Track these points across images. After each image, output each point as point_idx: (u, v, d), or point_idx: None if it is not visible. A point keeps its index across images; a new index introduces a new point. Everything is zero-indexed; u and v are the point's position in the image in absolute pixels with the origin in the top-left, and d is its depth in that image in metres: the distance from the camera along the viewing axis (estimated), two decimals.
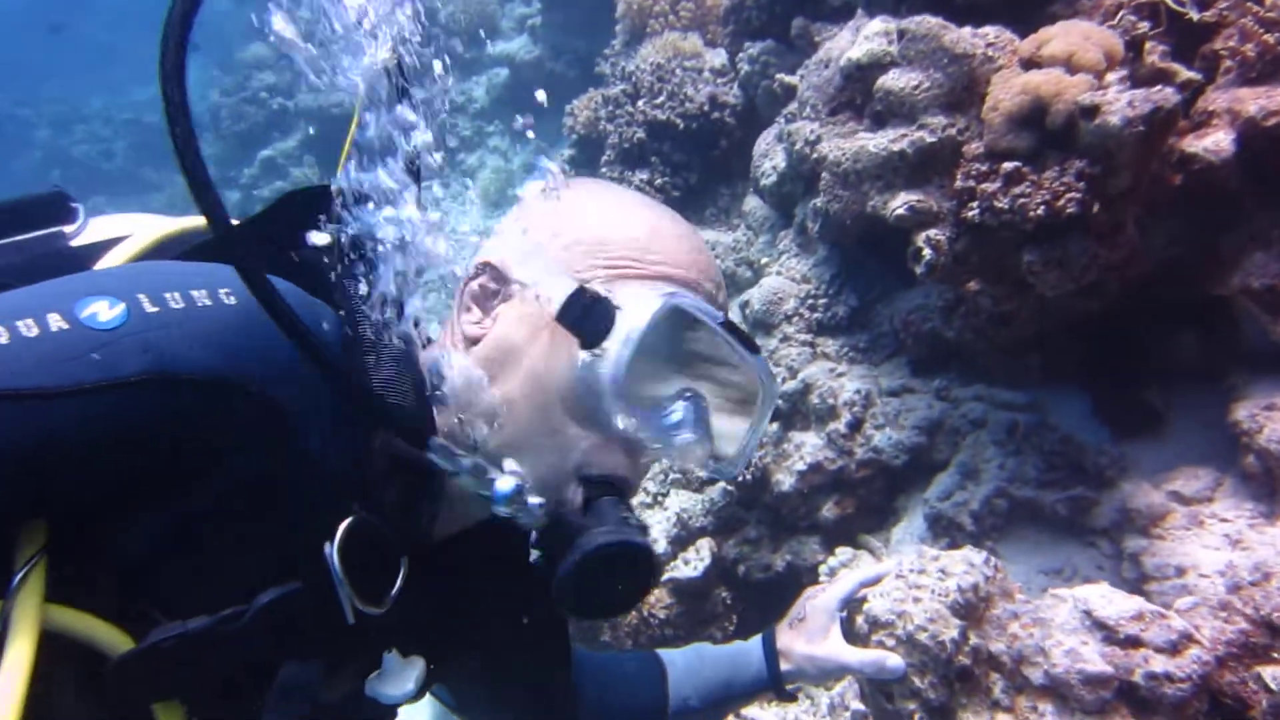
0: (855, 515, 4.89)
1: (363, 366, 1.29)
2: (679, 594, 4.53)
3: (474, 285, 1.50)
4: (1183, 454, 4.39)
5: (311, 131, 12.03)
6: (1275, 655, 2.78)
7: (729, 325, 1.55)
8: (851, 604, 3.17)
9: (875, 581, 3.24)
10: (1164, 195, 3.65)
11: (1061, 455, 4.56)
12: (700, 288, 1.51)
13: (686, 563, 4.59)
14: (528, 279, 1.39)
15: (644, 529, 1.39)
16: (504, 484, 1.33)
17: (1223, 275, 3.75)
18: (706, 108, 6.27)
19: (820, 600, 2.97)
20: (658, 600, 4.47)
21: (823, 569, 4.68)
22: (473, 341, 1.46)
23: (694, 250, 1.54)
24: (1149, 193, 3.59)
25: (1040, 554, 4.43)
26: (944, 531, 4.62)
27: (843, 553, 4.70)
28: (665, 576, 4.51)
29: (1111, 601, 2.93)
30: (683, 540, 4.86)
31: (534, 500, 1.34)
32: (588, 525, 1.32)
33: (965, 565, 3.23)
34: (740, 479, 4.90)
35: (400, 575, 1.32)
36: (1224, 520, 3.90)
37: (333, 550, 1.19)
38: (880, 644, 3.12)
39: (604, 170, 6.60)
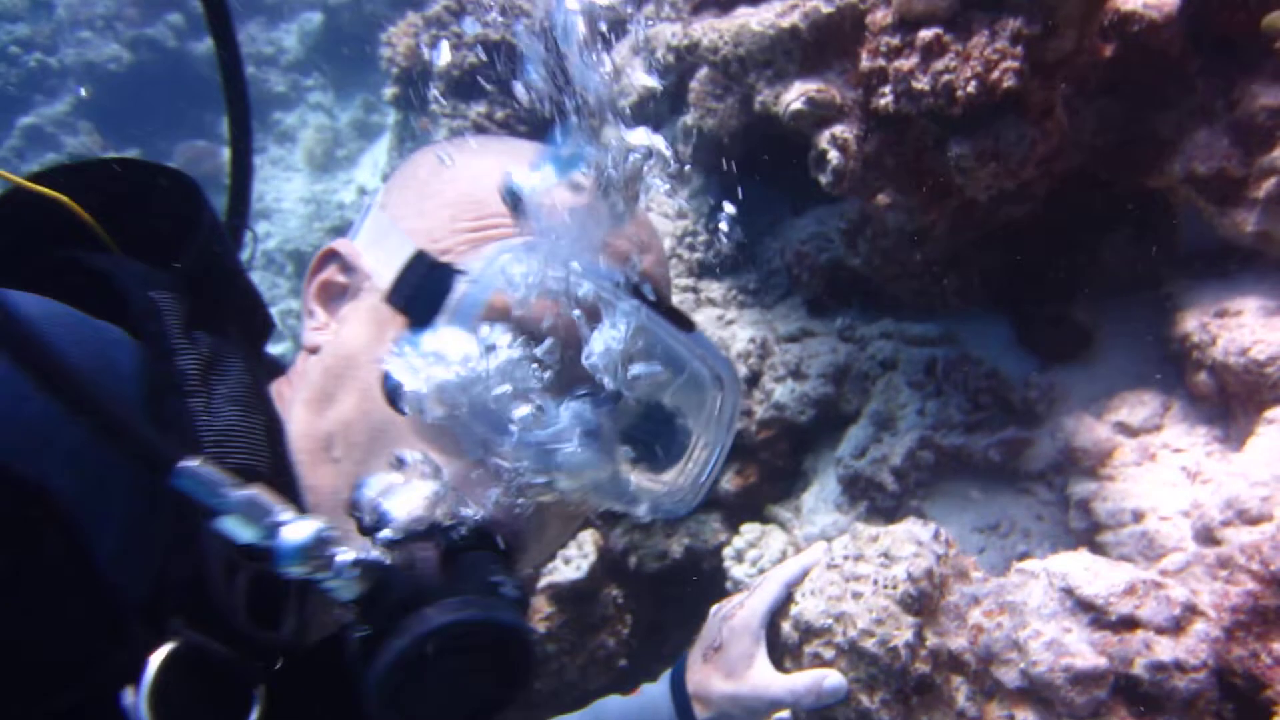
0: (760, 484, 4.20)
1: (180, 415, 0.93)
2: (560, 600, 3.72)
3: (317, 281, 1.24)
4: (1119, 377, 3.89)
5: (85, 93, 10.23)
6: None
7: (635, 290, 1.21)
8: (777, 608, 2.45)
9: (802, 577, 2.53)
10: (1093, 70, 3.01)
11: (988, 392, 3.99)
12: (607, 248, 1.22)
13: (567, 561, 3.77)
14: (377, 264, 1.15)
15: (517, 601, 1.04)
16: (294, 533, 0.91)
17: (1160, 162, 3.17)
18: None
19: (739, 619, 2.28)
20: (535, 610, 3.63)
21: (727, 551, 3.98)
22: (313, 352, 1.20)
23: None
24: (1080, 67, 2.95)
25: (972, 509, 3.86)
26: (861, 494, 3.99)
27: (749, 530, 4.01)
28: (543, 581, 3.67)
29: (1096, 574, 2.30)
30: None
31: (342, 555, 0.94)
32: (429, 594, 0.96)
33: (912, 545, 2.56)
34: None
35: (254, 714, 0.95)
36: (1178, 450, 3.40)
37: (139, 700, 0.84)
38: (816, 657, 2.44)
39: (434, 106, 5.59)
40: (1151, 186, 3.37)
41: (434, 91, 5.41)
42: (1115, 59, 3.04)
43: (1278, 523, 2.92)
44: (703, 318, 4.51)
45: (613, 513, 4.34)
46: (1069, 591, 2.38)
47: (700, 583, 4.18)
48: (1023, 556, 3.63)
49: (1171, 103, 3.17)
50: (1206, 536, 3.02)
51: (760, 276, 4.71)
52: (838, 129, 2.99)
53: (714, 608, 2.49)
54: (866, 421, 4.18)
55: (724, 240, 4.59)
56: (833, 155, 2.96)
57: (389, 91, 6.31)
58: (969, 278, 4.06)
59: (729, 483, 4.20)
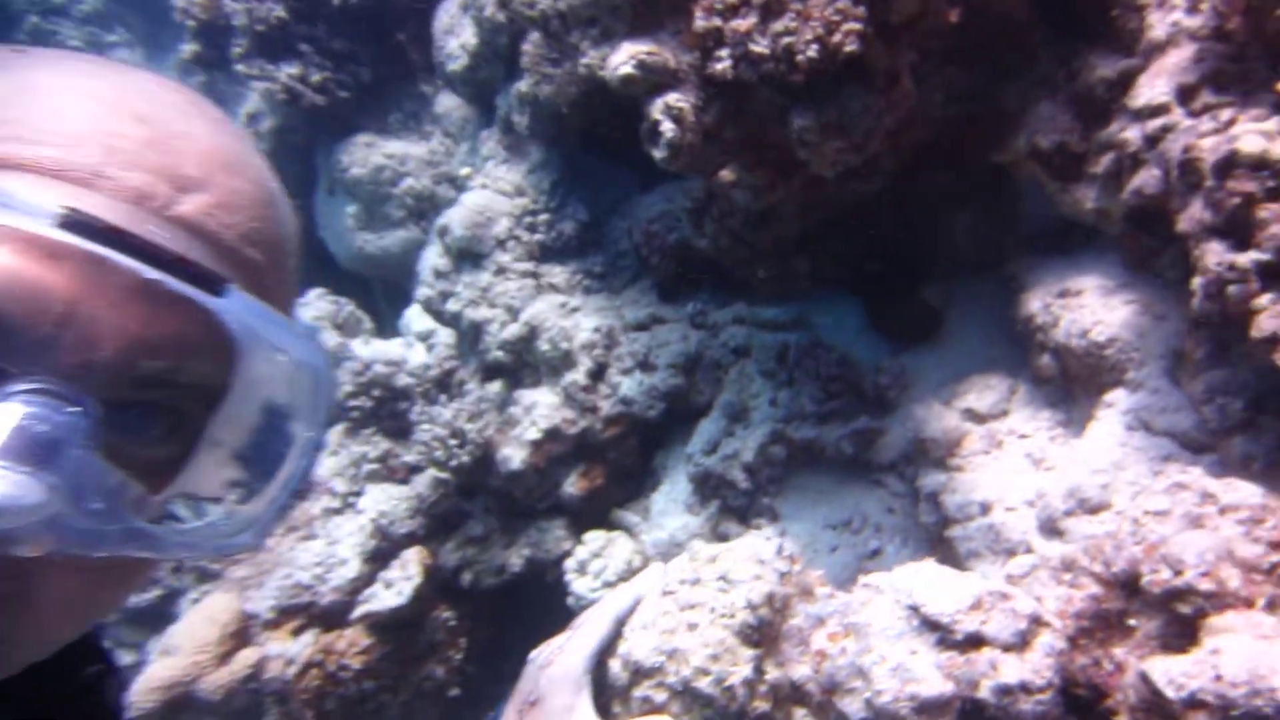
0: (607, 486, 3.91)
1: None
2: (379, 630, 3.33)
3: None
4: (968, 360, 3.82)
5: None
6: (1131, 623, 2.11)
7: (81, 224, 0.73)
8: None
9: (635, 608, 2.26)
10: (939, 37, 2.83)
11: (840, 380, 3.84)
12: (99, 179, 0.78)
13: (388, 586, 3.38)
14: None
15: None
16: None
17: (1005, 136, 3.05)
18: None
19: (559, 666, 1.98)
20: (350, 646, 3.23)
21: (569, 563, 3.68)
22: None
23: (113, 117, 0.81)
24: (925, 33, 2.75)
25: (825, 504, 3.71)
26: (713, 492, 3.77)
27: (593, 538, 3.72)
28: (359, 611, 3.26)
29: (942, 589, 2.12)
30: (384, 555, 3.62)
31: None
32: None
33: (753, 566, 2.32)
34: (455, 460, 3.73)
35: None
36: (1023, 436, 3.34)
37: None
38: (646, 701, 2.19)
39: (240, 67, 4.95)
40: (998, 161, 3.25)
41: (236, 49, 4.77)
42: (962, 25, 2.86)
43: (1116, 513, 2.90)
44: (544, 305, 4.17)
45: (445, 524, 3.97)
46: (915, 609, 2.20)
47: (544, 596, 3.87)
48: (875, 553, 3.52)
49: (1016, 73, 3.04)
50: (1050, 528, 2.96)
51: (607, 259, 4.40)
52: (672, 97, 2.69)
53: (532, 653, 2.17)
54: (718, 414, 3.97)
55: (567, 219, 4.25)
56: (667, 127, 2.66)
57: (188, 49, 5.58)
58: (821, 259, 3.88)
59: (574, 486, 3.90)
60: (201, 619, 3.26)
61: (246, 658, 2.93)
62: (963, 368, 3.91)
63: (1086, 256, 3.40)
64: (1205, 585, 1.92)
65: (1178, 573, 1.98)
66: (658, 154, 2.76)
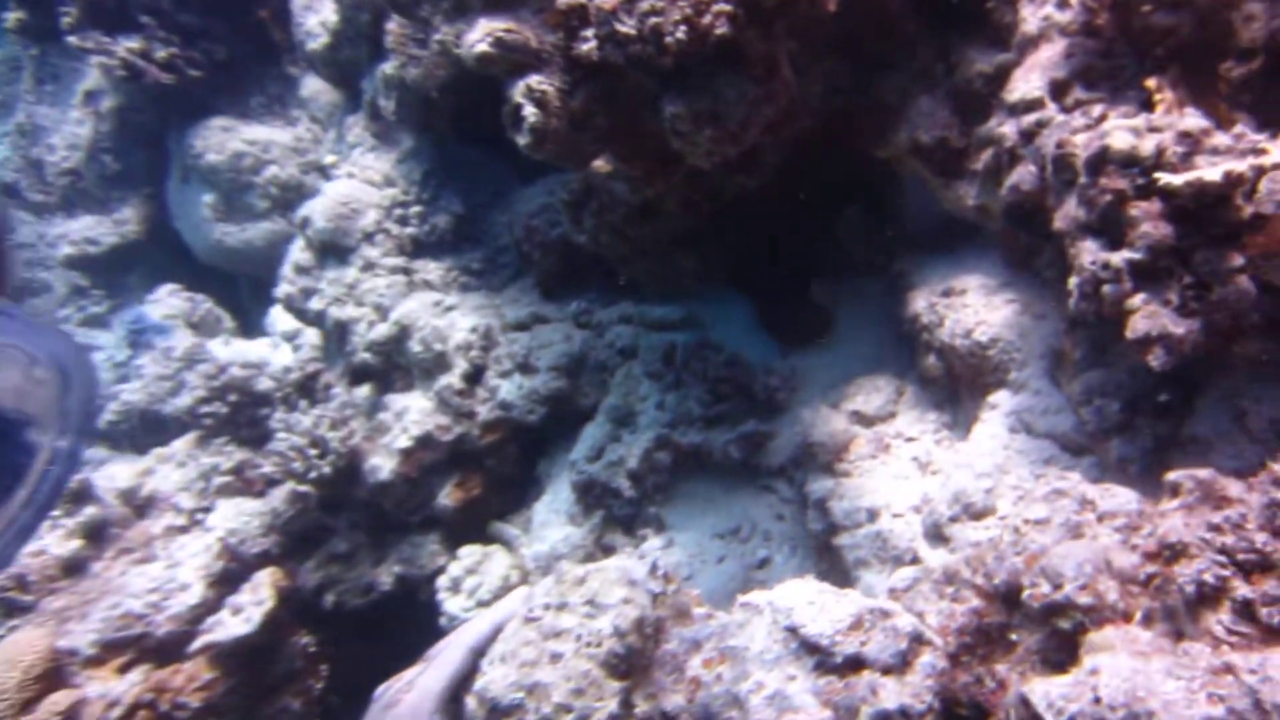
0: (485, 496, 3.69)
1: None
2: (225, 662, 3.01)
3: None
4: (857, 361, 3.76)
5: None
6: (1013, 638, 2.03)
7: None
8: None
9: (494, 637, 2.07)
10: (818, 26, 2.72)
11: (728, 381, 3.71)
12: None
13: (235, 612, 3.06)
14: None
15: None
16: None
17: (887, 131, 2.97)
18: None
19: (406, 706, 1.81)
20: (188, 681, 2.91)
21: (441, 581, 3.44)
22: None
23: None
24: (803, 20, 2.64)
25: (713, 511, 3.58)
26: (597, 501, 3.59)
27: (468, 553, 3.49)
28: (199, 642, 2.94)
29: (821, 608, 2.00)
30: (233, 577, 3.29)
31: None
32: None
33: (624, 589, 2.16)
34: (316, 472, 3.43)
35: None
36: (910, 439, 3.28)
37: None
38: None
39: (72, 39, 4.46)
40: (882, 157, 3.17)
41: (66, 19, 4.29)
42: (839, 15, 2.75)
43: (1000, 518, 2.86)
44: (417, 303, 3.90)
45: (305, 542, 3.65)
46: (793, 631, 2.07)
47: (418, 616, 3.61)
48: (764, 563, 3.40)
49: (895, 66, 2.96)
50: (936, 534, 2.90)
51: (486, 254, 4.15)
52: (535, 79, 2.48)
53: (379, 689, 1.95)
54: (604, 418, 3.79)
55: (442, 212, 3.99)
56: (530, 111, 2.46)
57: (12, 17, 5.02)
58: (708, 256, 3.75)
59: (448, 497, 3.65)
60: None
61: (56, 703, 2.57)
62: (851, 369, 3.84)
63: (969, 254, 3.37)
64: (1084, 599, 1.84)
65: (1057, 586, 1.90)
66: (521, 140, 2.55)
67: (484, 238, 4.19)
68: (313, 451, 3.37)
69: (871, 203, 3.59)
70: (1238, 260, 2.12)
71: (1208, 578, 1.61)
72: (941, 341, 3.21)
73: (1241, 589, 1.58)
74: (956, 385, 3.34)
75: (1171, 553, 1.74)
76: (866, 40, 2.92)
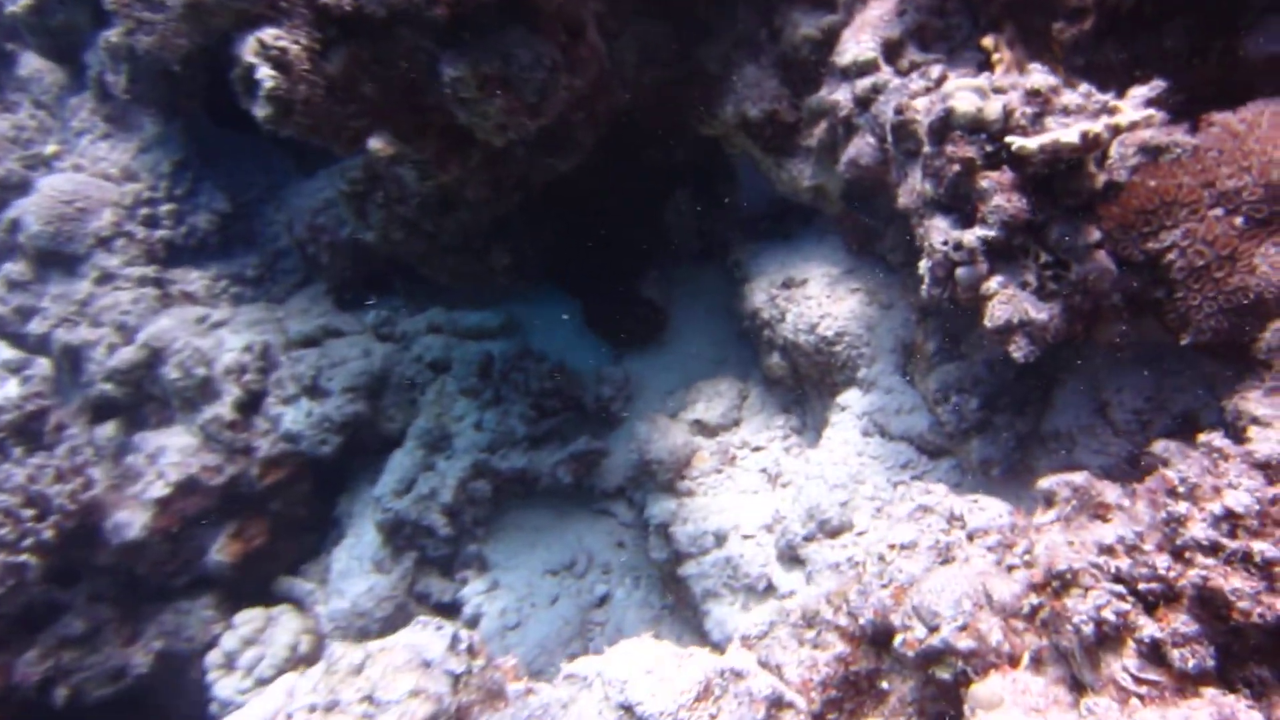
0: (270, 546, 3.11)
1: None
2: None
3: None
4: (696, 363, 3.44)
5: None
6: (885, 686, 1.74)
7: None
8: None
9: None
10: None
11: (555, 394, 3.29)
12: None
13: None
14: None
15: None
16: None
17: (711, 104, 2.67)
18: None
19: None
20: None
21: (212, 657, 2.84)
22: None
23: None
24: None
25: (544, 544, 3.15)
26: (407, 543, 3.08)
27: (248, 619, 2.91)
28: None
29: (661, 678, 1.63)
30: None
31: None
32: None
33: (412, 676, 1.75)
34: (32, 539, 2.74)
35: None
36: (757, 449, 2.99)
37: None
38: None
39: None
40: (708, 134, 2.84)
41: None
42: None
43: (858, 534, 2.60)
44: (173, 321, 3.23)
45: (24, 625, 2.94)
46: (629, 710, 1.67)
47: (189, 699, 2.98)
48: (603, 600, 3.01)
49: (715, 31, 2.64)
50: (791, 556, 2.60)
51: (263, 259, 3.53)
52: (270, 33, 1.97)
53: None
54: (413, 444, 3.27)
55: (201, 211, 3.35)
56: (267, 74, 1.94)
57: None
58: (522, 251, 3.30)
59: (223, 551, 3.03)
60: None
61: None
62: (691, 371, 3.52)
63: (808, 240, 3.11)
64: (964, 643, 1.54)
65: (933, 629, 1.59)
66: (260, 111, 2.03)
67: (259, 239, 3.57)
68: (28, 513, 2.68)
69: (701, 186, 3.26)
70: (1095, 234, 1.91)
71: (1107, 614, 1.34)
72: (785, 338, 2.92)
73: (1147, 627, 1.31)
74: (804, 385, 3.07)
75: (1060, 582, 1.46)
76: (680, 2, 2.58)
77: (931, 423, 2.45)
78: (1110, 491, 1.81)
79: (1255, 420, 1.71)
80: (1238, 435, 1.79)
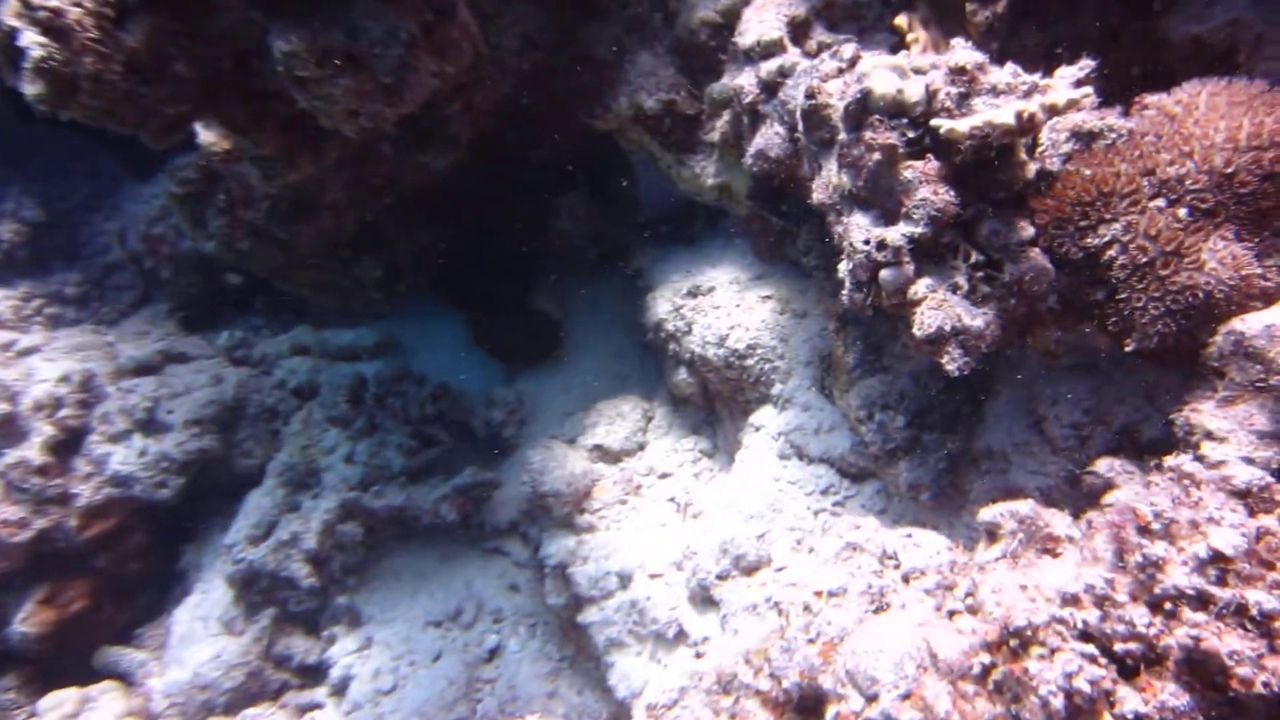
0: (93, 611, 2.67)
1: None
2: None
3: None
4: (596, 381, 3.17)
5: None
6: None
7: None
8: None
9: None
10: None
11: (437, 420, 2.97)
12: None
13: None
14: None
15: None
16: None
17: (603, 95, 2.42)
18: None
19: None
20: None
21: None
22: None
23: None
24: None
25: (426, 591, 2.81)
26: (265, 598, 2.71)
27: (58, 701, 2.47)
28: None
29: None
30: None
31: None
32: None
33: None
34: None
35: None
36: (665, 476, 2.74)
37: None
38: None
39: None
40: (602, 129, 2.57)
41: None
42: None
43: (776, 570, 2.37)
44: None
45: None
46: None
47: None
48: (493, 654, 2.68)
49: (603, 13, 2.38)
50: (704, 598, 2.35)
51: (88, 275, 3.08)
52: None
53: None
54: (274, 482, 2.89)
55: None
56: (34, 40, 1.58)
57: None
58: (397, 262, 2.96)
59: (29, 621, 2.58)
60: None
61: None
62: (591, 391, 3.24)
63: (714, 245, 2.88)
64: (908, 715, 1.30)
65: (871, 698, 1.36)
66: (28, 89, 1.66)
67: (83, 252, 3.12)
68: None
69: (597, 188, 3.00)
70: (1028, 230, 1.73)
71: (1080, 683, 1.13)
72: (692, 351, 2.68)
73: (1128, 699, 1.10)
74: (714, 404, 2.83)
75: (1019, 640, 1.24)
76: None
77: (854, 443, 2.24)
78: (1059, 522, 1.62)
79: (1209, 435, 1.55)
80: (1190, 452, 1.63)
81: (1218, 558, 1.10)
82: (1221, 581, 1.10)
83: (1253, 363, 1.50)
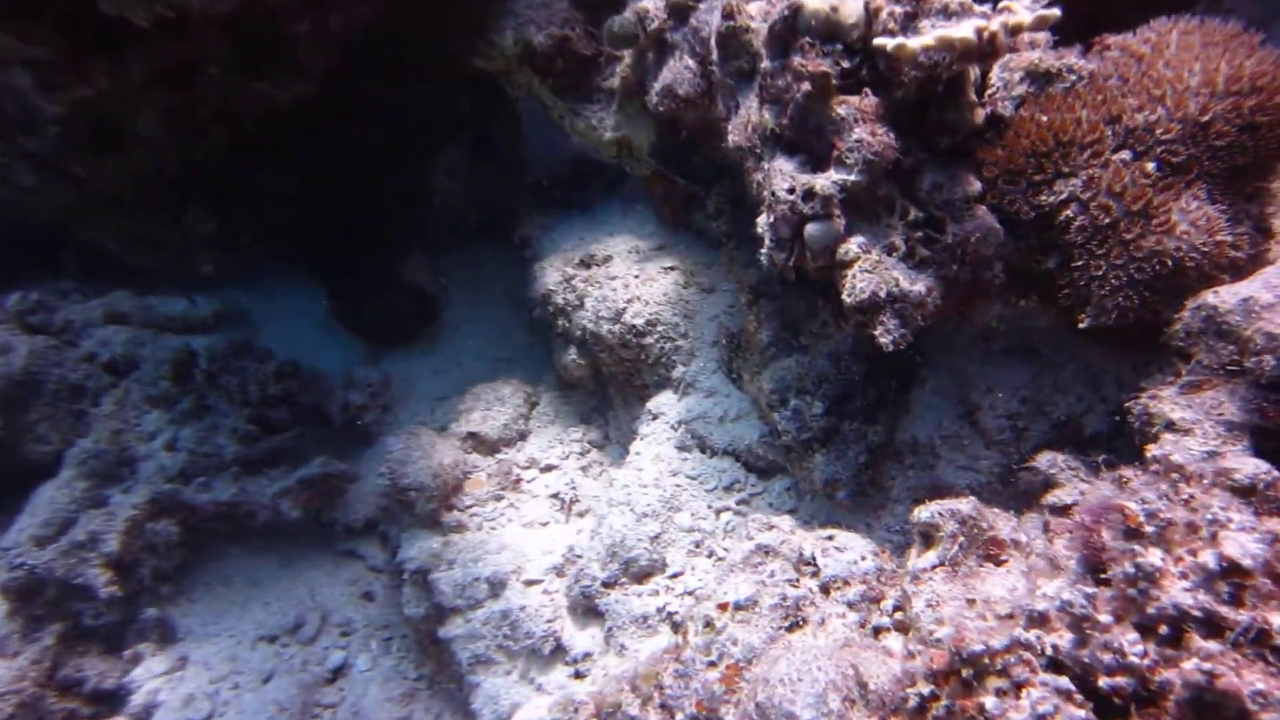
0: None
1: None
2: None
3: None
4: (473, 361, 2.86)
5: None
6: None
7: None
8: None
9: None
10: None
11: (286, 402, 2.58)
12: None
13: None
14: None
15: None
16: None
17: (486, 28, 2.11)
18: None
19: None
20: None
21: None
22: None
23: None
24: None
25: (259, 602, 2.42)
26: (52, 611, 2.29)
27: None
28: None
29: None
30: None
31: None
32: None
33: None
34: None
35: None
36: (548, 469, 2.45)
37: None
38: None
39: None
40: (484, 68, 2.24)
41: None
42: None
43: (670, 576, 2.09)
44: None
45: None
46: None
47: None
48: (338, 672, 2.32)
49: None
50: (587, 608, 2.05)
51: None
52: None
53: None
54: (71, 474, 2.45)
55: None
56: None
57: None
58: (236, 216, 2.55)
59: None
60: None
61: None
62: (470, 374, 2.90)
63: (612, 210, 2.60)
64: None
65: None
66: None
67: None
68: None
69: (480, 141, 2.66)
70: (975, 185, 1.52)
71: None
72: (583, 328, 2.38)
73: None
74: (607, 388, 2.55)
75: (974, 670, 0.99)
76: None
77: (763, 433, 1.98)
78: (1003, 524, 1.40)
79: (1171, 425, 1.36)
80: (1149, 441, 1.44)
81: (1231, 570, 0.89)
82: (1236, 601, 0.88)
83: (1224, 342, 1.31)
